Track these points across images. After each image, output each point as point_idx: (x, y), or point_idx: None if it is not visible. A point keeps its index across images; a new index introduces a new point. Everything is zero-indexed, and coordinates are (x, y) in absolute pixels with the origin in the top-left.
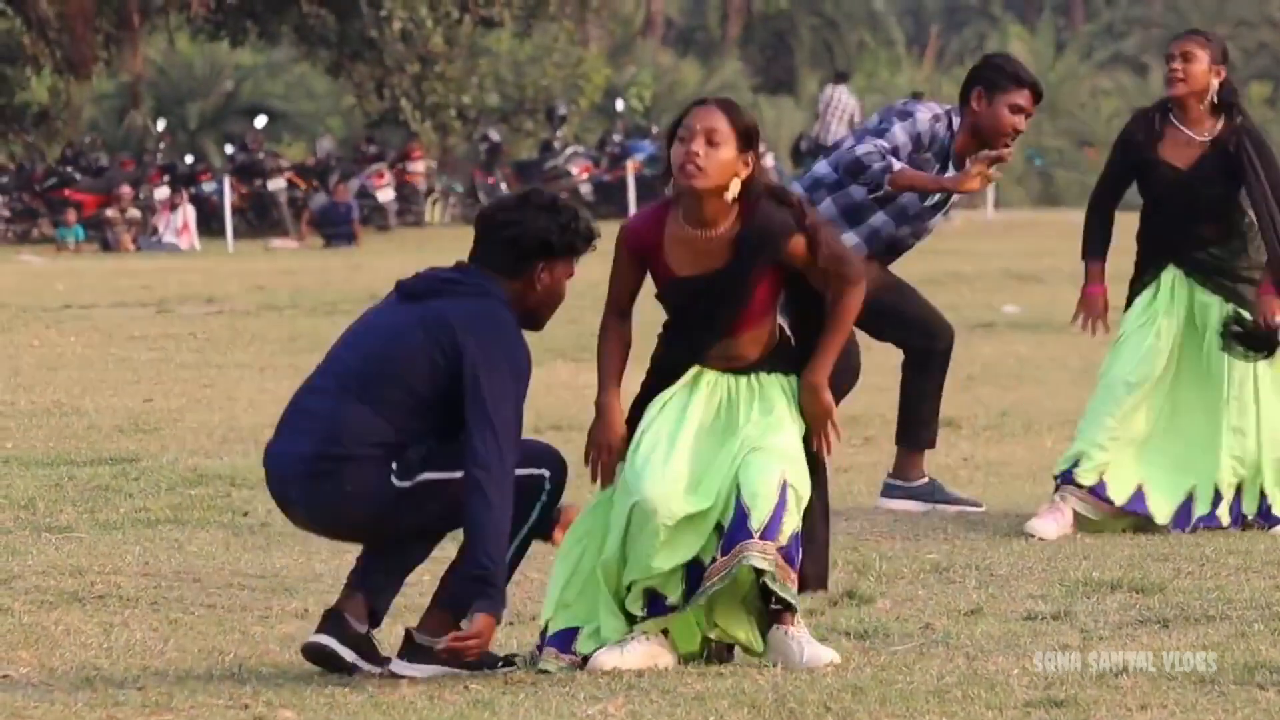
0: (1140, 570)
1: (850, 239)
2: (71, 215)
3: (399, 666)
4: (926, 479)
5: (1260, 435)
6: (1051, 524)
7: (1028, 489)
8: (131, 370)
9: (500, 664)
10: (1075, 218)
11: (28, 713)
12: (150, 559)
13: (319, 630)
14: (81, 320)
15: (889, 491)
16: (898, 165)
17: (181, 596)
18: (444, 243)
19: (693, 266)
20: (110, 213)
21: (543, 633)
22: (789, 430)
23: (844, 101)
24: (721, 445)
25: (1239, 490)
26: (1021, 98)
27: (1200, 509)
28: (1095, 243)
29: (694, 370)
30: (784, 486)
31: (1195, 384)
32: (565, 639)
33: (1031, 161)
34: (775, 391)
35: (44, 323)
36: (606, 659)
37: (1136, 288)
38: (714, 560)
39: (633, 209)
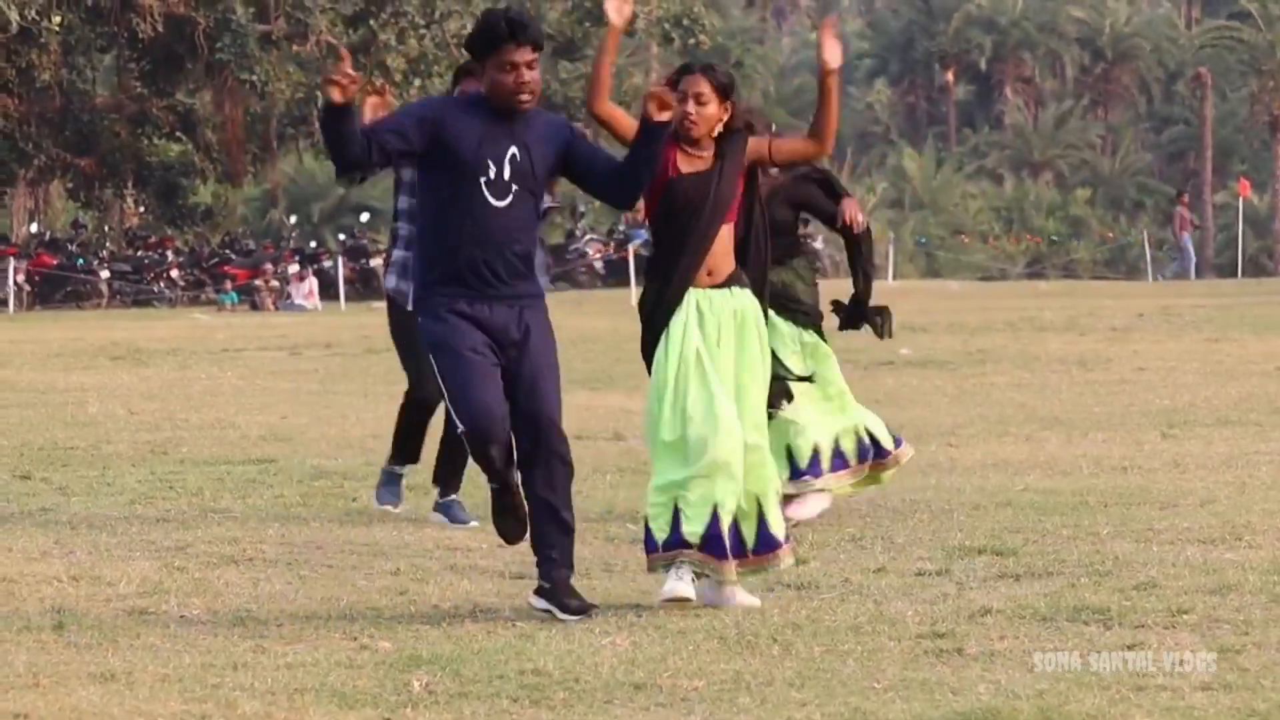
0: (999, 539)
1: None
2: (228, 284)
3: (532, 599)
4: None
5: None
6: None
7: (918, 481)
8: (271, 396)
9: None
10: (951, 286)
11: (200, 643)
12: (285, 532)
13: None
14: (235, 360)
15: None
16: None
17: (308, 559)
18: None
19: (689, 167)
20: (257, 283)
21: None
22: (761, 383)
23: None
24: (728, 372)
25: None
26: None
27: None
28: None
29: (687, 300)
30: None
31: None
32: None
33: (919, 244)
34: (746, 307)
35: (208, 362)
36: (679, 589)
37: None
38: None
39: (634, 279)
